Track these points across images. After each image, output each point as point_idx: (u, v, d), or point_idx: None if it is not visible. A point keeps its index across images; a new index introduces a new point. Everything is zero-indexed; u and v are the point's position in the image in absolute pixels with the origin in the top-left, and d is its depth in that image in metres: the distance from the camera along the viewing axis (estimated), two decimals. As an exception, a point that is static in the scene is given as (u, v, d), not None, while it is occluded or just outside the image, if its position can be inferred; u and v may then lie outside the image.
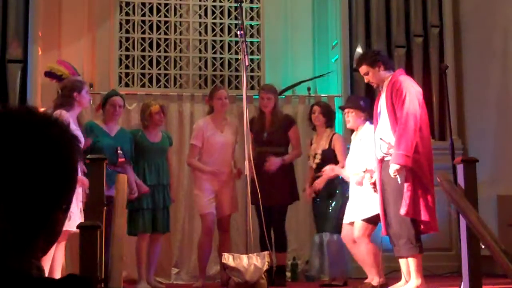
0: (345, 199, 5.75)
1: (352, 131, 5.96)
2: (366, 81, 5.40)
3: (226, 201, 6.19)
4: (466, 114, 7.57)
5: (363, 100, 5.90)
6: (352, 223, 5.49)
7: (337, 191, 5.93)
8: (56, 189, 1.11)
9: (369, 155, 5.32)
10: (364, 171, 5.40)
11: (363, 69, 5.31)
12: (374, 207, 5.27)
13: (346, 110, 5.80)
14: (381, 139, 5.07)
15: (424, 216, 4.88)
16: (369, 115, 5.66)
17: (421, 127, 4.95)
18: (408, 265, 5.05)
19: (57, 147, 1.12)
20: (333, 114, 6.37)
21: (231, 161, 6.31)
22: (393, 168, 4.86)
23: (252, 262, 5.18)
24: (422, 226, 4.98)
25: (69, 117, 5.03)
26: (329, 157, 5.98)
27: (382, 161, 5.12)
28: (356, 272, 6.05)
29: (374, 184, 5.25)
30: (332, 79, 7.71)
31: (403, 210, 4.85)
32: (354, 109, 5.71)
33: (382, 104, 5.15)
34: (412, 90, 4.99)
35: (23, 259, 1.06)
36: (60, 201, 1.13)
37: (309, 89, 7.56)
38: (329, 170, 5.87)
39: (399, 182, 4.86)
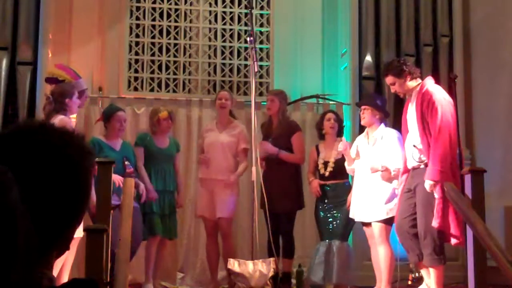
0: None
1: (361, 131, 5.95)
2: (392, 91, 5.33)
3: (219, 205, 6.10)
4: (475, 124, 7.55)
5: (380, 99, 5.87)
6: (368, 224, 5.51)
7: (344, 201, 5.92)
8: (71, 203, 1.12)
9: (397, 155, 5.32)
10: (396, 171, 5.38)
11: (389, 79, 5.22)
12: (390, 209, 5.33)
13: (362, 107, 5.78)
14: (414, 146, 5.02)
15: (453, 229, 4.81)
16: (385, 115, 5.67)
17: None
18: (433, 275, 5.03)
19: (73, 164, 1.13)
20: (343, 123, 6.38)
21: (230, 164, 6.23)
22: (428, 183, 4.81)
23: (257, 269, 5.17)
24: (451, 239, 4.89)
25: (72, 122, 4.99)
26: (342, 165, 5.97)
27: (411, 169, 5.08)
28: (362, 280, 6.03)
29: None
30: (340, 87, 7.71)
31: (435, 223, 4.79)
32: (370, 107, 5.69)
33: (411, 113, 5.08)
34: (443, 102, 4.91)
35: (34, 270, 1.06)
36: (75, 214, 1.14)
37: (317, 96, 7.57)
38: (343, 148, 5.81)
39: (436, 197, 4.81)
